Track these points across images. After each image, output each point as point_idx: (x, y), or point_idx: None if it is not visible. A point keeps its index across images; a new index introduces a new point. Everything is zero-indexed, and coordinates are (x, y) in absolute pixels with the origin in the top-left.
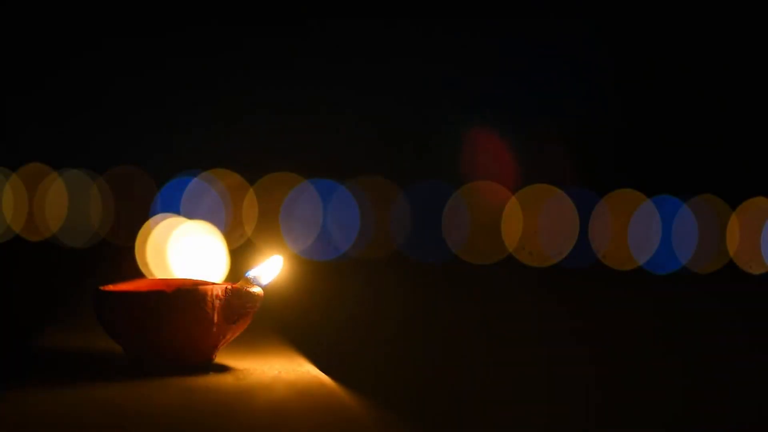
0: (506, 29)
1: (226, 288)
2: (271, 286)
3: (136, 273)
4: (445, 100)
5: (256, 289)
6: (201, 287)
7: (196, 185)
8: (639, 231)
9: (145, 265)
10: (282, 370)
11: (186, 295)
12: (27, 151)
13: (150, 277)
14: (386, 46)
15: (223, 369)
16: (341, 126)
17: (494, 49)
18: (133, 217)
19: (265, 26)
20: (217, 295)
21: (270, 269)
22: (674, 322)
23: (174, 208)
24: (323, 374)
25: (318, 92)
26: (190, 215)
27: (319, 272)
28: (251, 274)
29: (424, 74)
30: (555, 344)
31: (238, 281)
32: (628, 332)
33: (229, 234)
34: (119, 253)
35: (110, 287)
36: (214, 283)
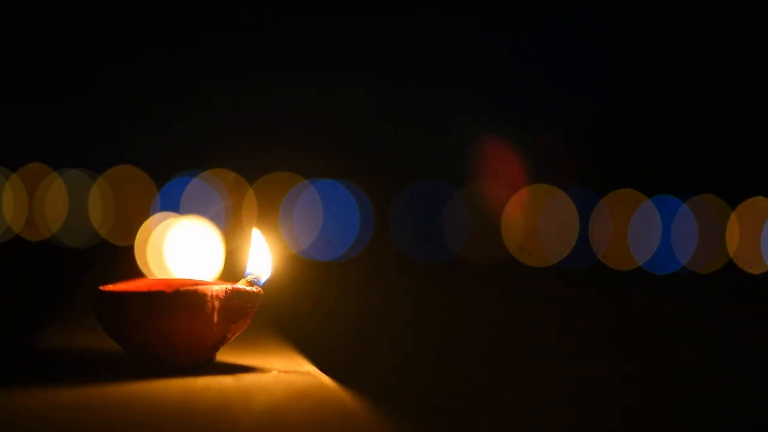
0: (506, 28)
1: (226, 288)
2: (271, 285)
3: (136, 273)
4: (445, 100)
5: (256, 289)
6: (201, 287)
7: (196, 185)
8: (639, 231)
9: (145, 265)
10: (282, 370)
11: (186, 296)
12: (27, 151)
13: (150, 277)
14: (386, 46)
15: (223, 369)
16: (341, 125)
17: (494, 49)
18: (133, 217)
19: (265, 26)
20: (217, 295)
21: (264, 257)
22: (674, 323)
23: (174, 208)
24: (323, 374)
25: (318, 92)
26: (190, 215)
27: (319, 272)
28: (250, 273)
29: (423, 73)
30: (555, 345)
31: (238, 281)
32: (628, 332)
33: (228, 233)
34: (119, 253)
35: (110, 287)
36: (214, 283)
